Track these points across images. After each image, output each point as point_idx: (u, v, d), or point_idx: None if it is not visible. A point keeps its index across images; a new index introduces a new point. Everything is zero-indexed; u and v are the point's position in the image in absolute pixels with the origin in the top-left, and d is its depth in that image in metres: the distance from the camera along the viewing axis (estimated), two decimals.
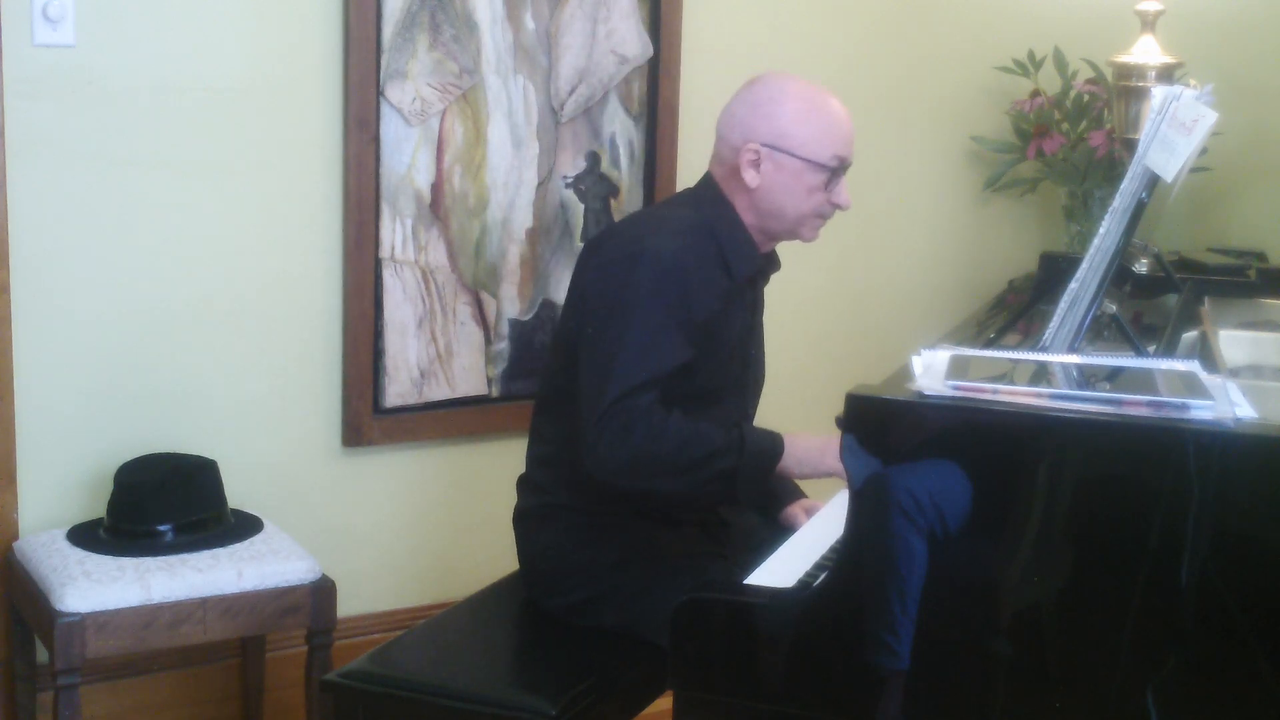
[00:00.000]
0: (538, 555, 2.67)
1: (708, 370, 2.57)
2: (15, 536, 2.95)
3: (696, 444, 2.47)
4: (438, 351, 3.35)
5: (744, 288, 2.66)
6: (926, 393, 1.99)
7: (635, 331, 2.46)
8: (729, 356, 2.63)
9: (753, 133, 2.59)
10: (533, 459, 2.71)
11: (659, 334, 2.47)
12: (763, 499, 2.80)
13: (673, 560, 2.58)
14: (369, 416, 3.28)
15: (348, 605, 3.16)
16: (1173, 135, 2.36)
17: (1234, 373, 2.55)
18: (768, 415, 2.70)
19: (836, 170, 2.60)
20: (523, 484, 2.73)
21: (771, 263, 2.75)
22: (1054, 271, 3.29)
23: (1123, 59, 3.59)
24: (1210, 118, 2.35)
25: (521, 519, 2.71)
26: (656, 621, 2.40)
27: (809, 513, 2.77)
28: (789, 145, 2.57)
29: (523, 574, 2.73)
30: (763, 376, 2.83)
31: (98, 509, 2.96)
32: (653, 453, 2.43)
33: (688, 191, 2.74)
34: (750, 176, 2.59)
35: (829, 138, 2.59)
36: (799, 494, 2.84)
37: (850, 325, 3.98)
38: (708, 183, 2.68)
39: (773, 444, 2.54)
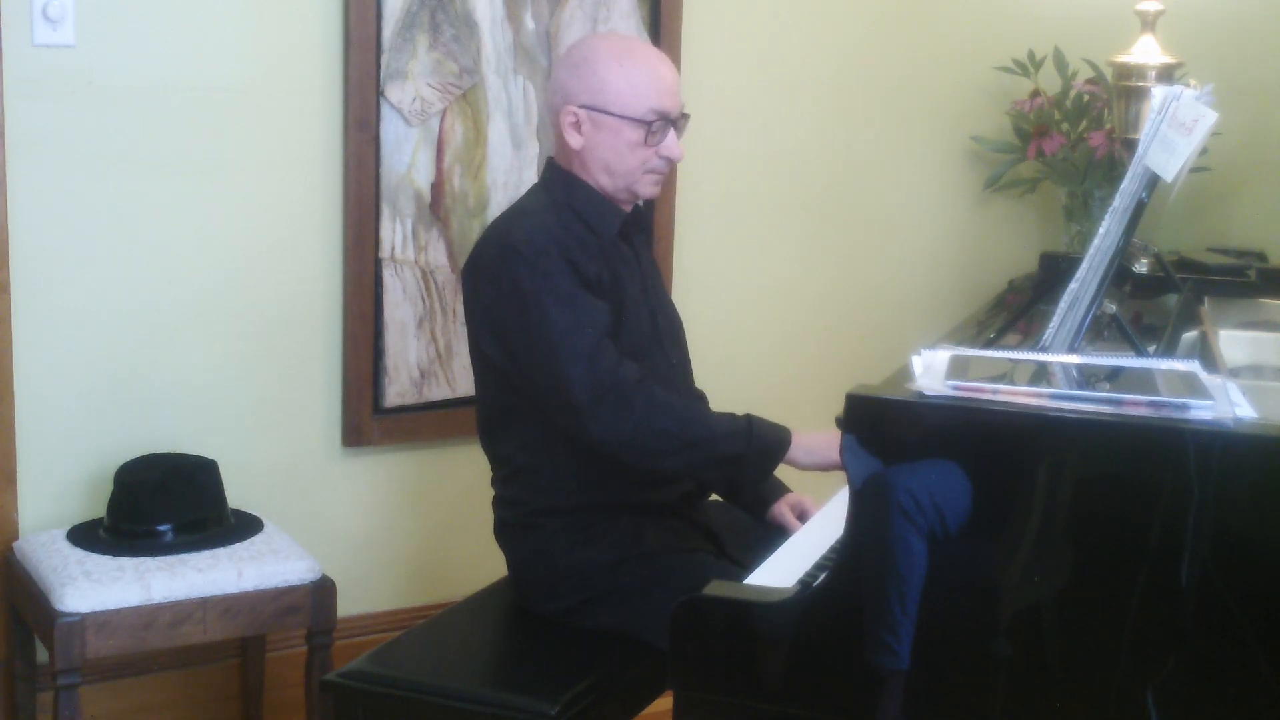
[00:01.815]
0: (526, 564, 2.66)
1: (622, 328, 2.58)
2: (15, 536, 2.95)
3: (701, 423, 2.51)
4: (438, 351, 3.35)
5: (619, 245, 2.67)
6: (926, 393, 1.99)
7: (553, 310, 2.47)
8: (636, 311, 2.64)
9: (570, 96, 2.60)
10: (499, 481, 2.71)
11: (574, 300, 2.49)
12: (756, 497, 2.82)
13: (664, 559, 2.58)
14: (369, 416, 3.28)
15: (348, 605, 3.16)
16: (1173, 135, 2.36)
17: (1234, 373, 2.55)
18: (769, 414, 2.70)
19: (655, 124, 2.59)
20: (497, 502, 2.73)
21: (640, 217, 2.76)
22: (1054, 271, 3.29)
23: (1123, 59, 3.59)
24: (1210, 118, 2.35)
25: (503, 531, 2.71)
26: (654, 623, 2.40)
27: (794, 508, 2.78)
28: (604, 103, 2.58)
29: (513, 582, 2.72)
30: (680, 330, 2.82)
31: (98, 509, 2.96)
32: (656, 427, 2.47)
33: (536, 182, 2.76)
34: (573, 139, 2.61)
35: (644, 92, 2.58)
36: (784, 490, 2.84)
37: (850, 325, 3.98)
38: (549, 164, 2.70)
39: (780, 435, 2.57)
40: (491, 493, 2.75)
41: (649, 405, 2.46)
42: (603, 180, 2.63)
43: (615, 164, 2.60)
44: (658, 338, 2.70)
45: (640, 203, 2.74)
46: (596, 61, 2.60)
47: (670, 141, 2.62)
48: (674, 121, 2.62)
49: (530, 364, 2.51)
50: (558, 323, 2.47)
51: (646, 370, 2.57)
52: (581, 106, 2.58)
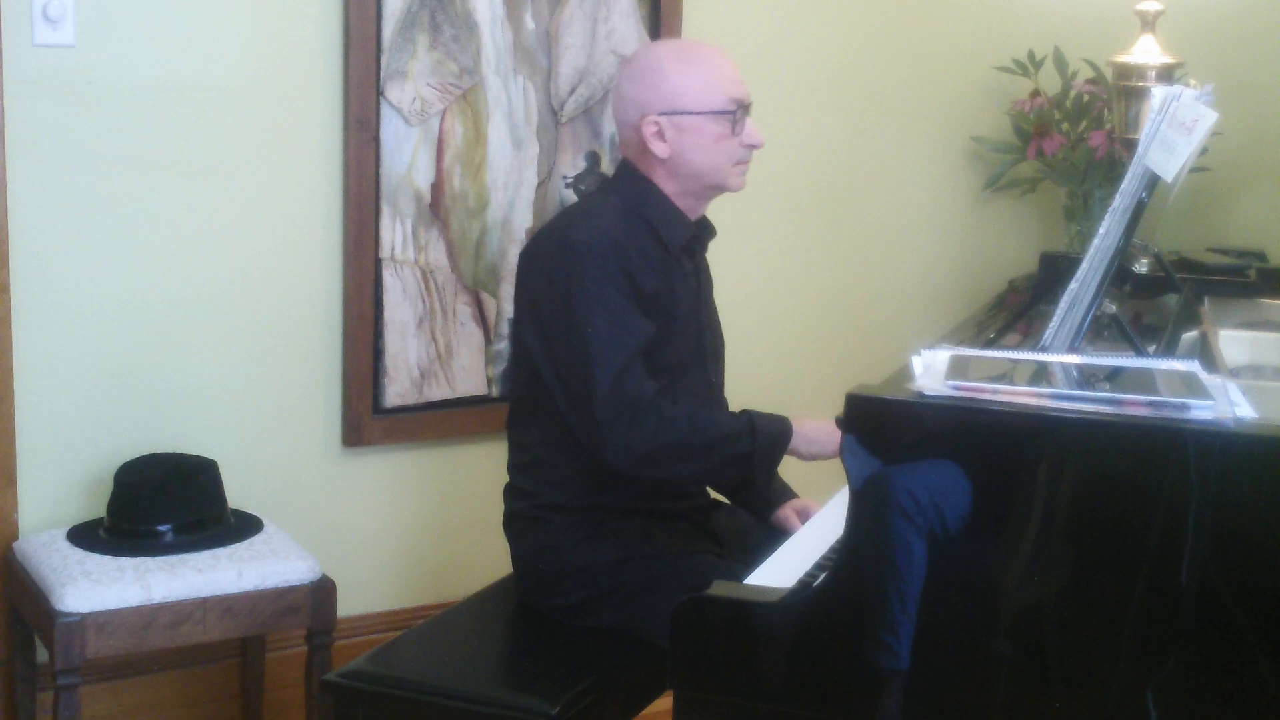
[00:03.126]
0: (532, 558, 2.67)
1: (668, 344, 2.59)
2: (15, 536, 2.95)
3: (708, 429, 2.52)
4: (438, 351, 3.35)
5: (681, 258, 2.67)
6: (926, 393, 1.99)
7: (597, 319, 2.48)
8: (684, 329, 2.65)
9: (646, 106, 2.61)
10: (514, 468, 2.72)
11: (620, 315, 2.50)
12: (764, 496, 2.82)
13: (669, 559, 2.59)
14: (369, 416, 3.28)
15: (348, 605, 3.16)
16: (1173, 135, 2.36)
17: (1234, 373, 2.55)
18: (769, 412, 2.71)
19: (737, 113, 2.61)
20: (508, 491, 2.74)
21: (706, 230, 2.77)
22: (1054, 271, 3.29)
23: (1123, 59, 3.59)
24: (1210, 118, 2.35)
25: (511, 523, 2.71)
26: (656, 622, 2.40)
27: (801, 514, 2.79)
28: (683, 105, 2.59)
29: (517, 578, 2.73)
30: (722, 348, 2.85)
31: (98, 509, 2.96)
32: (668, 440, 2.48)
33: (608, 180, 2.77)
34: (659, 148, 2.61)
35: (717, 84, 2.61)
36: (791, 494, 2.85)
37: (850, 325, 3.98)
38: (624, 166, 2.71)
39: (782, 426, 2.60)
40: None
41: (658, 422, 2.48)
42: (691, 184, 2.64)
43: (705, 163, 2.62)
44: (701, 356, 2.72)
45: (705, 219, 2.75)
46: (663, 67, 2.61)
47: (751, 128, 2.64)
48: (748, 109, 2.65)
49: (563, 364, 2.53)
50: (598, 333, 2.48)
51: (684, 386, 2.59)
52: (661, 114, 2.60)
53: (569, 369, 2.52)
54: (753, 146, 2.65)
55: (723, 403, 2.82)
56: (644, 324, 2.53)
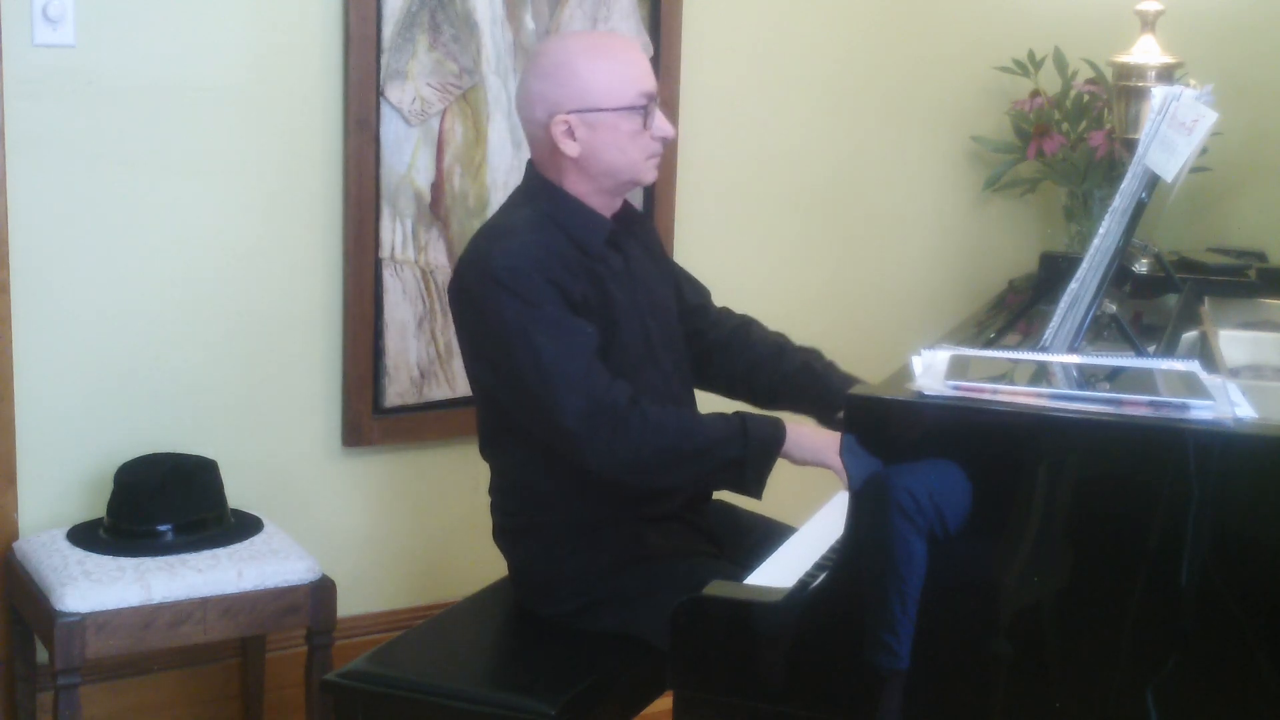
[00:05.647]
0: (526, 567, 2.64)
1: (614, 347, 2.53)
2: (15, 536, 2.95)
3: (697, 433, 2.47)
4: (438, 351, 3.35)
5: (607, 256, 2.58)
6: (926, 393, 1.99)
7: (541, 338, 2.41)
8: (629, 328, 2.58)
9: (555, 105, 2.52)
10: (495, 489, 2.68)
11: (562, 325, 2.43)
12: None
13: (665, 561, 2.57)
14: (369, 417, 3.28)
15: (348, 605, 3.16)
16: (1173, 135, 2.36)
17: (1234, 373, 2.55)
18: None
19: (648, 106, 2.53)
20: (494, 508, 2.70)
21: (633, 220, 2.70)
22: (1054, 271, 3.29)
23: (1123, 59, 3.59)
24: (1210, 118, 2.35)
25: (502, 534, 2.68)
26: (655, 624, 2.39)
27: None
28: (594, 102, 2.50)
29: (514, 584, 2.70)
30: (676, 331, 2.73)
31: (98, 509, 2.96)
32: (657, 447, 2.42)
33: (517, 190, 2.67)
34: (569, 147, 2.53)
35: (628, 78, 2.52)
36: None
37: (850, 325, 3.98)
38: (530, 173, 2.63)
39: (775, 429, 2.52)
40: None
41: (643, 427, 2.42)
42: (604, 182, 2.56)
43: (619, 160, 2.54)
44: (650, 350, 2.63)
45: (626, 205, 2.68)
46: (573, 63, 2.52)
47: (661, 120, 2.56)
48: (656, 100, 2.57)
49: (522, 393, 2.46)
50: (546, 351, 2.41)
51: (640, 385, 2.53)
52: (571, 112, 2.51)
53: (529, 395, 2.44)
54: (664, 139, 2.57)
55: (687, 385, 2.73)
56: (588, 327, 2.46)
